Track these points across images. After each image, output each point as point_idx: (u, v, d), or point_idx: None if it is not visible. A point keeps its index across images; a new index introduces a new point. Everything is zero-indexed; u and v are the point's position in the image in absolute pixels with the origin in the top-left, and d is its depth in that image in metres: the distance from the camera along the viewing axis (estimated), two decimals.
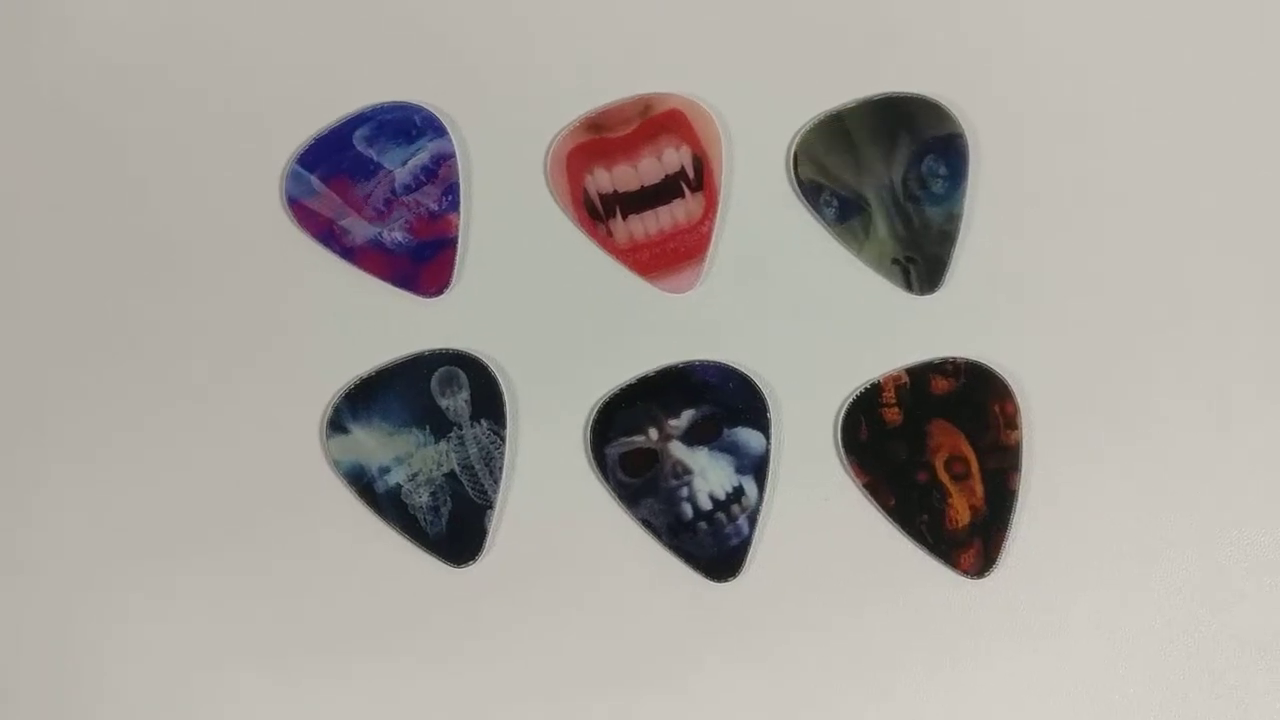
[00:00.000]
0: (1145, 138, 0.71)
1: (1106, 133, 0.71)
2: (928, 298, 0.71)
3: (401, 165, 0.71)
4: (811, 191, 0.71)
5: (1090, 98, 0.71)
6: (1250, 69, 0.71)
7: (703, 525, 0.70)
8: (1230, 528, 0.69)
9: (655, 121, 0.71)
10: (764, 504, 0.70)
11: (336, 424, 0.70)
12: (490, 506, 0.70)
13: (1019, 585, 0.69)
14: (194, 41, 0.73)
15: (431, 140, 0.71)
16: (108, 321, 0.72)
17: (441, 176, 0.71)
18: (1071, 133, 0.71)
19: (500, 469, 0.70)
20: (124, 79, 0.72)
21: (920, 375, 0.70)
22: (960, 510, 0.69)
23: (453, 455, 0.70)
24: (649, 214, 0.71)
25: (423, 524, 0.70)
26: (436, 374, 0.70)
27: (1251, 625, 0.69)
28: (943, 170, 0.71)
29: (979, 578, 0.70)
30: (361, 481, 0.70)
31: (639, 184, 0.71)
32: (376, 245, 0.71)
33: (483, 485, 0.70)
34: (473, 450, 0.70)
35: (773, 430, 0.70)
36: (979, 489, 0.69)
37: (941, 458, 0.69)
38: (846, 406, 0.70)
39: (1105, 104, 0.71)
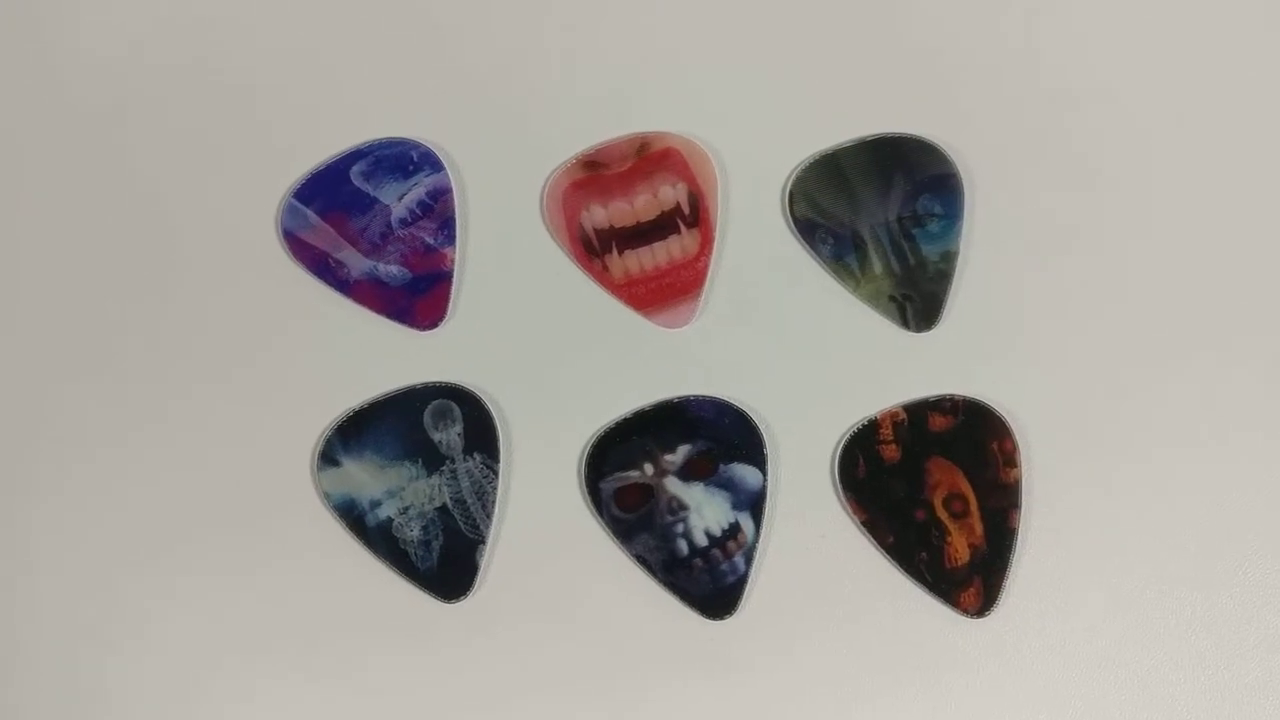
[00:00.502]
0: (1138, 175, 0.71)
1: (1101, 171, 0.71)
2: (925, 335, 0.71)
3: (398, 200, 0.71)
4: (807, 229, 0.71)
5: (1083, 137, 0.72)
6: (1243, 104, 0.72)
7: (698, 562, 0.69)
8: (1234, 562, 0.69)
9: (651, 159, 0.72)
10: (760, 541, 0.69)
11: (328, 456, 0.69)
12: (482, 541, 0.69)
13: (1021, 624, 0.69)
14: (196, 77, 0.73)
15: (428, 175, 0.72)
16: (102, 348, 0.71)
17: (438, 211, 0.71)
18: (1065, 171, 0.72)
19: (493, 503, 0.69)
20: (127, 111, 0.73)
21: (918, 412, 0.69)
22: (959, 548, 0.68)
23: (445, 489, 0.69)
24: (645, 249, 0.71)
25: (413, 558, 0.69)
26: (430, 407, 0.69)
27: (1260, 664, 0.68)
28: (938, 209, 0.71)
29: (980, 617, 0.69)
30: (352, 515, 0.69)
31: (635, 220, 0.71)
32: (372, 278, 0.71)
33: (475, 520, 0.69)
34: (465, 484, 0.69)
35: (769, 466, 0.69)
36: (978, 527, 0.68)
37: (940, 495, 0.69)
38: (844, 443, 0.69)
39: (1099, 142, 0.72)
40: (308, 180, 0.72)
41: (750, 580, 0.69)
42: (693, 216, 0.71)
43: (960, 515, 0.69)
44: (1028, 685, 0.68)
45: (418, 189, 0.72)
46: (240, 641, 0.69)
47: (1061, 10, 0.73)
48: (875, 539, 0.69)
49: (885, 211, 0.71)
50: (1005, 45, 0.73)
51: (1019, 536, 0.69)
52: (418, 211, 0.71)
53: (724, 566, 0.69)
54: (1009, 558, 0.69)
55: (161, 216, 0.72)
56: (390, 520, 0.69)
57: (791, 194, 0.71)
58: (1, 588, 0.70)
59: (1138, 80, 0.72)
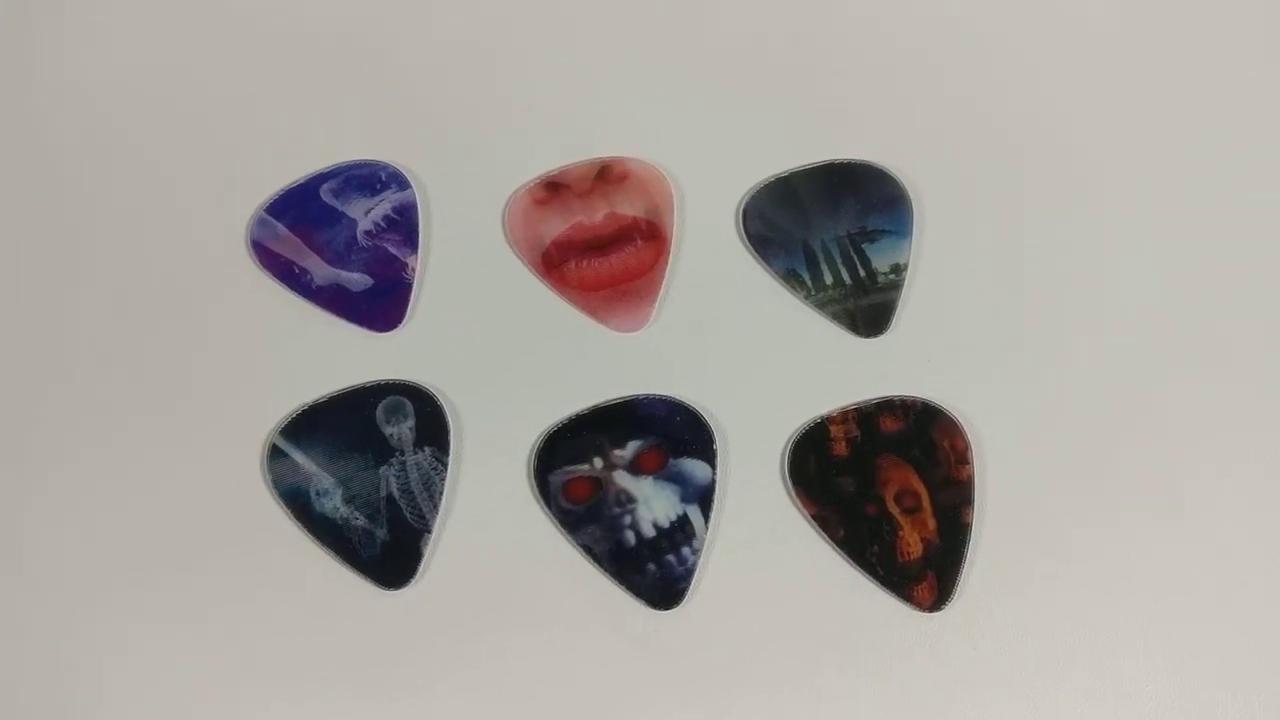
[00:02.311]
0: (1085, 192, 0.74)
1: (1051, 189, 0.75)
2: (875, 340, 0.72)
3: (364, 214, 0.75)
4: (760, 243, 0.74)
5: (1033, 155, 0.76)
6: (1181, 116, 0.76)
7: (645, 553, 0.68)
8: (1191, 557, 0.68)
9: (610, 180, 0.75)
10: (709, 534, 0.68)
11: (277, 449, 0.70)
12: (428, 531, 0.69)
13: (975, 618, 0.67)
14: (176, 101, 0.78)
15: (395, 193, 0.75)
16: (68, 342, 0.74)
17: (402, 224, 0.75)
18: (1011, 189, 0.75)
19: (440, 495, 0.70)
20: (112, 127, 0.78)
21: (869, 414, 0.70)
22: (912, 542, 0.68)
23: (393, 480, 0.70)
24: (601, 260, 0.74)
25: (357, 546, 0.69)
26: (383, 403, 0.71)
27: (1220, 655, 0.66)
28: (888, 225, 0.74)
29: (934, 611, 0.67)
30: (298, 502, 0.69)
31: (593, 234, 0.74)
32: (333, 284, 0.74)
33: (421, 510, 0.69)
34: (414, 476, 0.70)
35: (719, 461, 0.69)
36: (931, 522, 0.68)
37: (891, 491, 0.69)
38: (794, 440, 0.70)
39: (1049, 162, 0.75)
40: (279, 197, 0.75)
41: (698, 572, 0.68)
42: (649, 231, 0.74)
43: (912, 510, 0.69)
44: (983, 678, 0.66)
45: (384, 204, 0.75)
46: (174, 629, 0.69)
47: (1007, 38, 0.78)
48: (826, 533, 0.69)
49: (836, 228, 0.74)
50: (950, 73, 0.77)
51: (973, 531, 0.68)
52: (382, 224, 0.75)
53: (670, 558, 0.68)
54: (963, 552, 0.68)
55: (135, 231, 0.76)
56: (336, 509, 0.69)
57: (745, 211, 0.75)
58: None
59: (1082, 100, 0.76)
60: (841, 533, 0.68)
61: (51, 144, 0.77)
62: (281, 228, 0.75)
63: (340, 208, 0.75)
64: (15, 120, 0.78)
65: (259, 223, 0.75)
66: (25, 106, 0.78)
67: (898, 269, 0.73)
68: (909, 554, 0.68)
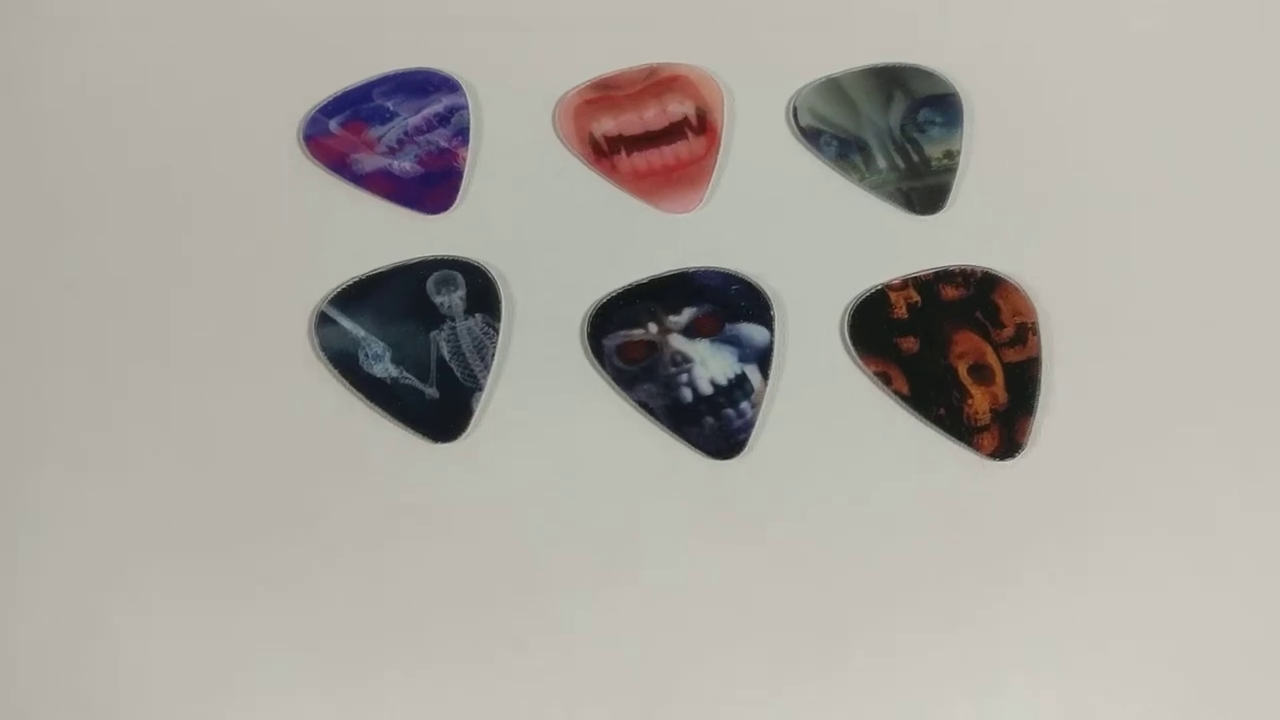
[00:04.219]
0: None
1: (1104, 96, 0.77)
2: (933, 218, 0.72)
3: (416, 114, 0.76)
4: (811, 135, 0.75)
5: (1080, 63, 0.77)
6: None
7: (702, 409, 0.67)
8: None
9: (661, 83, 0.77)
10: (769, 389, 0.67)
11: (326, 317, 0.70)
12: (479, 389, 0.68)
13: (1040, 468, 0.66)
14: (235, 16, 0.80)
15: (447, 95, 0.77)
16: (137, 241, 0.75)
17: (454, 122, 0.76)
18: (1059, 94, 0.77)
19: (492, 357, 0.69)
20: (174, 33, 0.80)
21: (928, 282, 0.70)
22: (981, 409, 0.67)
23: (444, 344, 0.69)
24: (653, 151, 0.75)
25: (406, 403, 0.68)
26: (433, 276, 0.71)
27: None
28: (939, 118, 0.75)
29: (1002, 460, 0.66)
30: (347, 364, 0.69)
31: (643, 129, 0.76)
32: (385, 173, 0.74)
33: (472, 370, 0.68)
34: (465, 340, 0.69)
35: (777, 326, 0.69)
36: (1002, 395, 0.67)
37: (965, 364, 0.68)
38: (853, 306, 0.69)
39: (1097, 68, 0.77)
40: (333, 99, 0.77)
41: (758, 425, 0.67)
42: (700, 126, 0.75)
43: (986, 381, 0.67)
44: (1046, 527, 0.65)
45: (436, 105, 0.77)
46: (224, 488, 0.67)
47: None
48: (890, 388, 0.67)
49: (887, 121, 0.75)
50: None
51: (1041, 387, 0.67)
52: (434, 122, 0.76)
53: (730, 411, 0.67)
54: (1034, 405, 0.66)
55: (196, 139, 0.77)
56: (386, 370, 0.68)
57: (796, 108, 0.76)
58: None
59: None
60: (906, 389, 0.67)
61: (123, 53, 0.80)
62: (334, 124, 0.76)
63: (393, 108, 0.76)
64: (85, 35, 0.80)
65: (311, 120, 0.76)
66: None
67: (951, 154, 0.74)
68: (977, 419, 0.67)
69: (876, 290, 0.70)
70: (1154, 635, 0.63)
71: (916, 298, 0.69)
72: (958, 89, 0.76)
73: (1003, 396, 0.67)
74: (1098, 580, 0.64)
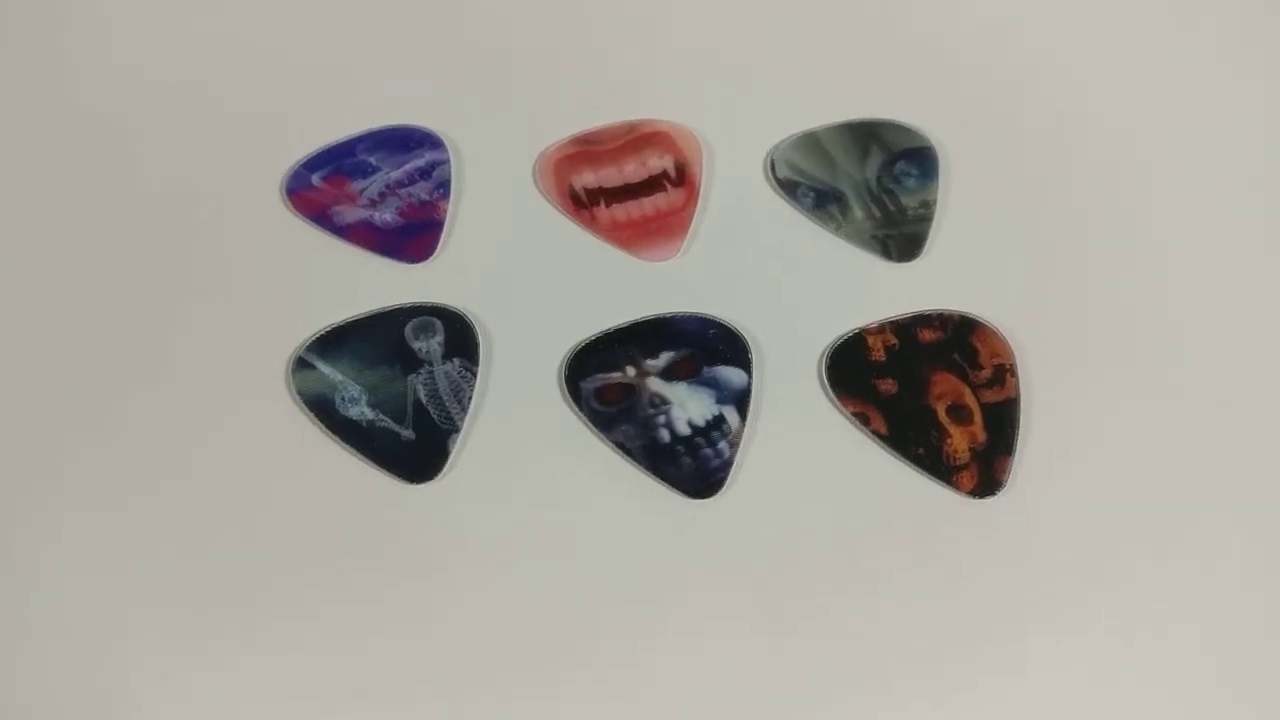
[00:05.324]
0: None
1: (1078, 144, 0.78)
2: (908, 265, 0.73)
3: (398, 168, 0.77)
4: (789, 187, 0.76)
5: (1058, 109, 0.79)
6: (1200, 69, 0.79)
7: (680, 449, 0.67)
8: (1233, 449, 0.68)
9: (641, 139, 0.79)
10: (746, 430, 0.67)
11: (303, 362, 0.70)
12: (455, 431, 0.68)
13: (1023, 504, 0.65)
14: (220, 76, 0.82)
15: (429, 150, 0.78)
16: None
17: (435, 176, 0.77)
18: (1037, 143, 0.78)
19: (469, 400, 0.69)
20: (159, 90, 0.81)
21: (906, 325, 0.70)
22: (960, 448, 0.67)
23: (421, 388, 0.69)
24: (632, 203, 0.76)
25: (382, 445, 0.68)
26: (411, 322, 0.71)
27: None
28: (915, 170, 0.76)
29: (981, 498, 0.66)
30: (323, 408, 0.69)
31: (623, 181, 0.77)
32: (366, 224, 0.75)
33: (449, 413, 0.69)
34: (442, 384, 0.69)
35: (755, 369, 0.69)
36: (981, 434, 0.67)
37: (943, 405, 0.68)
38: (831, 349, 0.70)
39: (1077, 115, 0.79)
40: (316, 155, 0.78)
41: (736, 464, 0.67)
42: (679, 179, 0.77)
43: (964, 422, 0.68)
44: (1025, 563, 0.65)
45: (418, 159, 0.78)
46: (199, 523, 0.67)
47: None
48: (867, 429, 0.67)
49: (864, 174, 0.76)
50: (976, 33, 0.81)
51: (1020, 426, 0.67)
52: (415, 176, 0.77)
53: (707, 451, 0.67)
54: (1013, 445, 0.67)
55: (180, 182, 0.78)
56: (362, 413, 0.68)
57: (774, 161, 0.77)
58: None
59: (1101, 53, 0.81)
60: (885, 429, 0.67)
61: (108, 110, 0.81)
62: (316, 178, 0.77)
63: (375, 163, 0.78)
64: (73, 88, 0.82)
65: (294, 175, 0.78)
66: (83, 78, 0.82)
67: (927, 204, 0.75)
68: (956, 458, 0.67)
69: (854, 334, 0.70)
70: (1137, 670, 0.63)
71: (894, 340, 0.70)
72: (933, 142, 0.77)
73: (981, 436, 0.67)
74: (1079, 614, 0.64)
